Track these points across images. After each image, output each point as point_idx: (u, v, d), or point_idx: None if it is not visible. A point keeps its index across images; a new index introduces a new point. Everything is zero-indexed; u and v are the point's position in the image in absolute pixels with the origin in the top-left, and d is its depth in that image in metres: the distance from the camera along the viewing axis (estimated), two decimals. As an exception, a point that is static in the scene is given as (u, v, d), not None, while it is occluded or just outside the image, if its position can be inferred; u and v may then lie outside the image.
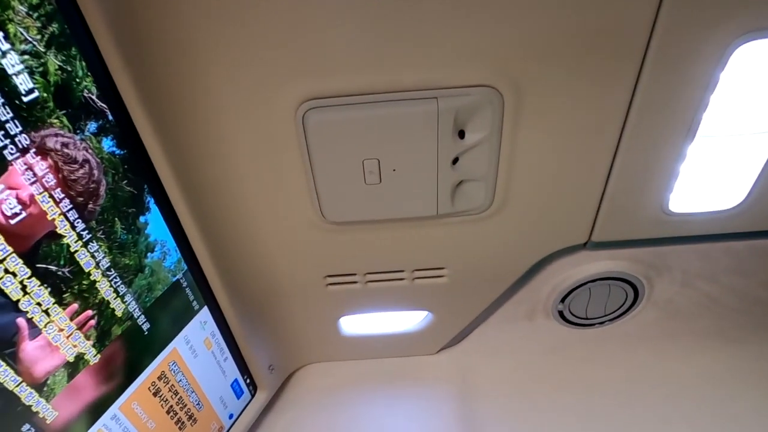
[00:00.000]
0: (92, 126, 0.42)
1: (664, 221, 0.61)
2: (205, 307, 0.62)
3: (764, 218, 0.62)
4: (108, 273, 0.47)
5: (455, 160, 0.53)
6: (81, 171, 0.42)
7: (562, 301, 0.73)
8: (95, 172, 0.43)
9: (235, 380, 0.71)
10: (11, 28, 0.35)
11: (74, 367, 0.46)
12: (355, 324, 0.79)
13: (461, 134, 0.51)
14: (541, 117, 0.50)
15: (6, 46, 0.35)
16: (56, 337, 0.44)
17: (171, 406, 0.60)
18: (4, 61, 0.35)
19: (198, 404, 0.65)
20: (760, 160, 0.55)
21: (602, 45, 0.45)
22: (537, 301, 0.74)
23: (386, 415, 0.79)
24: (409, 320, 0.79)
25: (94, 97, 0.42)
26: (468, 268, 0.67)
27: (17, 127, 0.36)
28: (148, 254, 0.51)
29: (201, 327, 0.62)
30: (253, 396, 0.76)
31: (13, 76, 0.35)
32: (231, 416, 0.72)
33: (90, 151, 0.42)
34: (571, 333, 0.79)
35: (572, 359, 0.82)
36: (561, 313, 0.76)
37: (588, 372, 0.81)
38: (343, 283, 0.69)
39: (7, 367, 0.40)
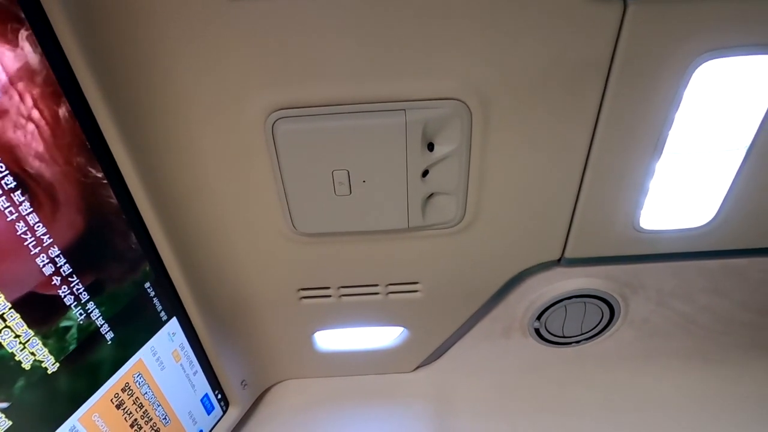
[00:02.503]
0: (57, 130, 0.42)
1: (635, 238, 0.62)
2: (174, 318, 0.61)
3: (735, 237, 0.62)
4: (70, 278, 0.46)
5: (425, 173, 0.53)
6: (43, 174, 0.42)
7: (538, 318, 0.73)
8: (58, 176, 0.43)
9: (206, 395, 0.70)
10: (-27, 29, 0.35)
11: (30, 376, 0.45)
12: (330, 340, 0.79)
13: (430, 147, 0.52)
14: (509, 131, 0.51)
15: (-33, 46, 0.35)
16: (12, 344, 0.43)
17: (135, 419, 0.59)
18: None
19: (165, 418, 0.63)
20: (728, 178, 0.56)
21: (567, 62, 0.46)
22: (513, 318, 0.74)
23: (361, 434, 0.78)
24: (384, 336, 0.79)
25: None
26: (442, 282, 0.67)
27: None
28: (114, 261, 0.51)
29: (169, 338, 0.61)
30: (224, 412, 0.75)
31: (-26, 77, 0.36)
32: (200, 432, 0.71)
33: (53, 154, 0.42)
34: (548, 351, 0.79)
35: (550, 379, 0.81)
36: (537, 331, 0.75)
37: (566, 392, 0.80)
38: (316, 296, 0.68)
39: (-43, 373, 0.39)
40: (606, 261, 0.66)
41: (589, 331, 0.76)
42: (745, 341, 0.79)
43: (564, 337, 0.77)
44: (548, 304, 0.71)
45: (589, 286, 0.69)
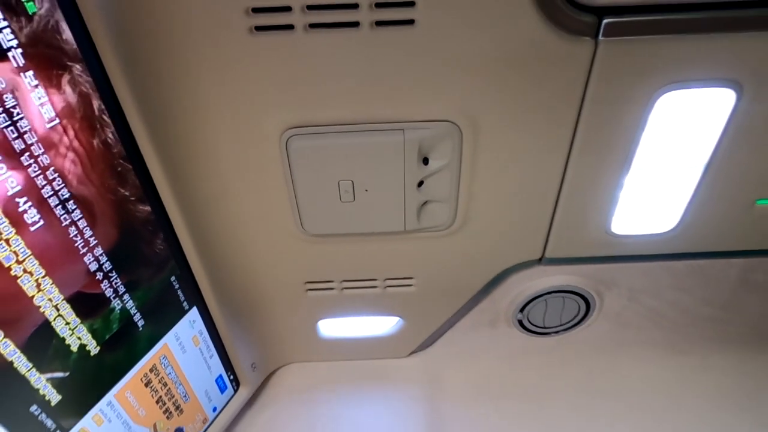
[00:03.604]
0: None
1: (608, 242, 0.69)
2: (195, 308, 0.68)
3: (696, 241, 0.69)
4: (110, 274, 0.53)
5: (420, 183, 0.60)
6: (91, 186, 0.48)
7: (521, 310, 0.80)
8: (103, 186, 0.50)
9: (220, 376, 0.78)
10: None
11: (77, 356, 0.52)
12: (332, 327, 0.86)
13: (425, 161, 0.59)
14: (495, 149, 0.58)
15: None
16: (63, 329, 0.50)
17: (160, 396, 0.66)
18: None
19: (185, 396, 0.71)
20: (688, 191, 0.63)
21: (546, 91, 0.53)
22: (498, 310, 0.81)
23: (359, 414, 0.86)
24: (382, 325, 0.86)
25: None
26: (434, 278, 0.74)
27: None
28: (146, 259, 0.58)
29: (190, 325, 0.68)
30: (235, 391, 0.82)
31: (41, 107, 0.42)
32: (215, 409, 0.78)
33: (99, 168, 0.49)
34: (530, 341, 0.87)
35: (531, 365, 0.89)
36: (521, 322, 0.83)
37: (546, 378, 0.88)
38: (321, 289, 0.75)
39: (21, 354, 0.47)
40: (582, 261, 0.73)
41: (568, 322, 0.84)
42: (707, 333, 0.86)
43: (545, 328, 0.84)
44: (530, 298, 0.78)
45: (567, 283, 0.76)
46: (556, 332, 0.85)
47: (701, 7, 0.48)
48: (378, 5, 0.46)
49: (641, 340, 0.87)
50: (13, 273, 0.44)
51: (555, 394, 0.86)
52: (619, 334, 0.86)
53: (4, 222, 0.42)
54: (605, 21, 0.48)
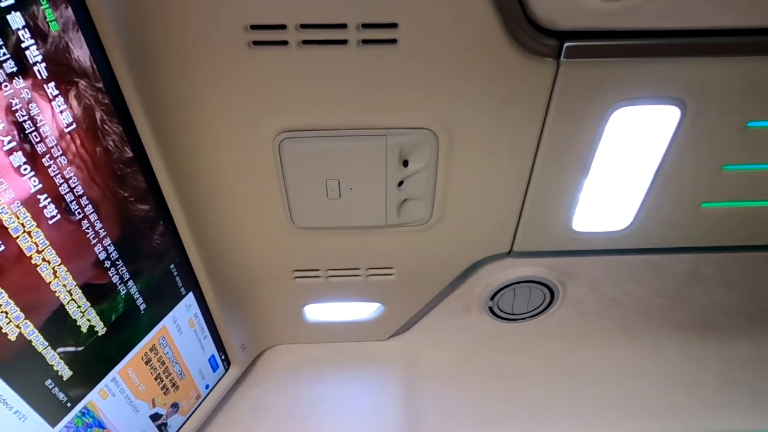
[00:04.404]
0: (112, 148, 0.54)
1: (570, 237, 0.76)
2: (191, 293, 0.74)
3: (649, 238, 0.77)
4: (117, 263, 0.59)
5: (400, 183, 0.66)
6: (102, 183, 0.53)
7: (492, 298, 0.88)
8: (112, 183, 0.55)
9: (212, 356, 0.84)
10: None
11: (87, 337, 0.58)
12: (317, 312, 0.92)
13: (405, 163, 0.65)
14: (468, 153, 0.64)
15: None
16: (75, 312, 0.55)
17: (158, 374, 0.72)
18: (53, 103, 0.46)
19: (181, 374, 0.77)
20: (641, 194, 0.70)
21: (513, 105, 0.59)
22: (471, 298, 0.88)
23: (341, 392, 0.92)
24: (364, 310, 0.92)
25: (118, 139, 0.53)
26: (412, 268, 0.80)
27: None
28: (148, 248, 0.63)
29: (187, 309, 0.74)
30: (227, 370, 0.89)
31: (61, 114, 0.47)
32: (207, 386, 0.84)
33: (109, 168, 0.54)
34: (500, 326, 0.94)
35: (501, 348, 0.96)
36: (491, 309, 0.90)
37: (513, 359, 0.95)
38: (308, 276, 0.81)
39: (39, 334, 0.52)
40: (546, 254, 0.80)
41: (534, 310, 0.91)
42: (659, 321, 0.94)
43: (513, 314, 0.92)
44: (500, 287, 0.85)
45: (533, 274, 0.83)
46: (524, 319, 0.93)
47: (651, 34, 0.54)
48: (364, 26, 0.52)
49: (600, 326, 0.95)
50: (33, 262, 0.49)
51: (521, 375, 0.93)
52: (580, 320, 0.94)
53: (27, 216, 0.47)
54: (566, 44, 0.54)
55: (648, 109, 0.60)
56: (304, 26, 0.51)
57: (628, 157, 0.66)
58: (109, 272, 0.58)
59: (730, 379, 0.92)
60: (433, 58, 0.55)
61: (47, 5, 0.43)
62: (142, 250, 0.62)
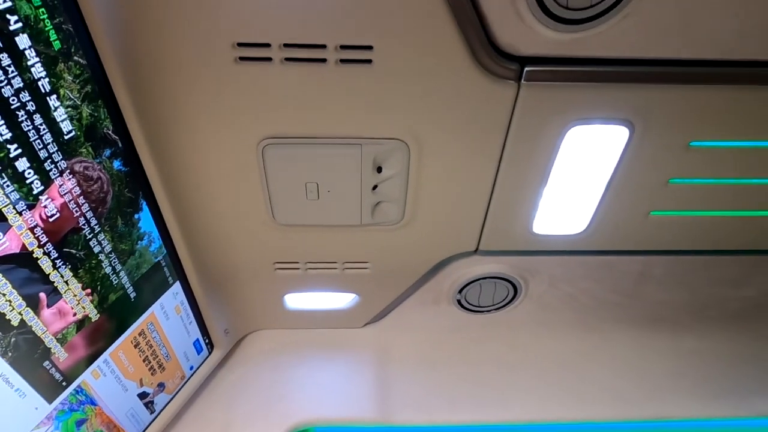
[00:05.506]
0: (107, 152, 0.58)
1: (531, 239, 0.82)
2: (178, 282, 0.79)
3: (604, 241, 0.84)
4: (110, 255, 0.64)
5: (374, 187, 0.72)
6: (96, 185, 0.58)
7: (460, 292, 0.94)
8: (105, 185, 0.59)
9: (197, 339, 0.89)
10: (62, 92, 0.51)
11: (81, 322, 0.63)
12: (297, 300, 0.98)
13: (379, 170, 0.70)
14: (437, 161, 0.69)
15: (57, 103, 0.51)
16: (71, 300, 0.60)
17: (146, 356, 0.77)
18: (55, 114, 0.51)
19: (167, 356, 0.82)
20: (594, 201, 0.77)
21: (478, 120, 0.64)
22: (441, 291, 0.95)
23: (318, 375, 0.98)
24: (340, 300, 0.98)
25: (110, 132, 0.58)
26: (386, 263, 0.86)
27: (59, 156, 0.53)
28: (139, 242, 0.68)
29: (173, 297, 0.79)
30: (210, 353, 0.94)
31: (60, 123, 0.52)
32: (191, 368, 0.90)
33: (103, 170, 0.59)
34: (467, 317, 1.01)
35: (468, 338, 1.03)
36: (459, 302, 0.97)
37: (480, 348, 1.02)
38: (288, 268, 0.87)
39: (38, 321, 0.57)
40: (510, 253, 0.87)
41: (499, 303, 0.98)
42: (613, 316, 1.02)
43: (480, 306, 0.98)
44: (467, 282, 0.92)
45: (498, 271, 0.90)
46: (489, 311, 1.00)
47: (603, 62, 0.60)
48: (342, 47, 0.57)
49: (559, 319, 1.03)
50: (35, 256, 0.54)
51: (486, 362, 1.00)
52: (541, 314, 1.01)
53: (28, 214, 0.52)
54: (527, 69, 0.59)
55: (600, 128, 0.66)
56: (287, 45, 0.56)
57: (582, 170, 0.72)
58: (102, 264, 0.63)
59: (677, 370, 1.01)
60: (405, 77, 0.60)
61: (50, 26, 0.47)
62: (134, 243, 0.67)
